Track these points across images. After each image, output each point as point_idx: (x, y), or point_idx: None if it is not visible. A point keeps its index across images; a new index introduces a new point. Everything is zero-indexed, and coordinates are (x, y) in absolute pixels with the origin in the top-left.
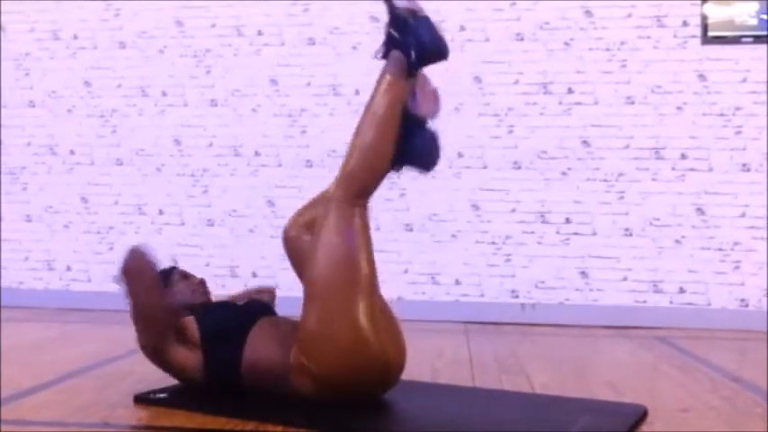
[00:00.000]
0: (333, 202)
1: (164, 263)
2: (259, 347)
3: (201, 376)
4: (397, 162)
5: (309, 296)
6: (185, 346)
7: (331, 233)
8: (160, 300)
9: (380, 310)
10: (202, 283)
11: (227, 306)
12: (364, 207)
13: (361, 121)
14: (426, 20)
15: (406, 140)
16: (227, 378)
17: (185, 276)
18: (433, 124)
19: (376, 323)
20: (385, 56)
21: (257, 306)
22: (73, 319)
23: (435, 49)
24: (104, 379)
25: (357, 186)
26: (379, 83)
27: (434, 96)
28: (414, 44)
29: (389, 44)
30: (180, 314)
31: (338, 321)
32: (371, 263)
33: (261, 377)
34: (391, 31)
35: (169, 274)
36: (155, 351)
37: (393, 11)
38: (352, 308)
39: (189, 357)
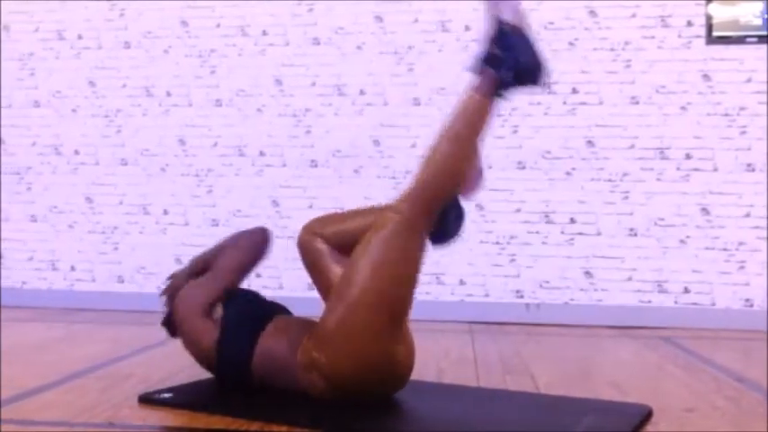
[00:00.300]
0: (395, 213)
1: (168, 263)
2: (272, 340)
3: (213, 356)
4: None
5: (339, 295)
6: (210, 320)
7: (385, 245)
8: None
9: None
10: None
11: (254, 296)
12: (426, 229)
13: (441, 137)
14: (528, 39)
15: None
16: (236, 365)
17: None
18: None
19: (396, 339)
20: (477, 69)
21: (278, 306)
22: (77, 319)
23: (533, 72)
24: (109, 379)
25: (424, 204)
26: (466, 100)
27: (479, 179)
28: (513, 64)
29: (487, 61)
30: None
31: (361, 332)
32: (412, 287)
33: (270, 370)
34: (493, 47)
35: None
36: (192, 314)
37: (500, 27)
38: (380, 324)
39: (208, 332)
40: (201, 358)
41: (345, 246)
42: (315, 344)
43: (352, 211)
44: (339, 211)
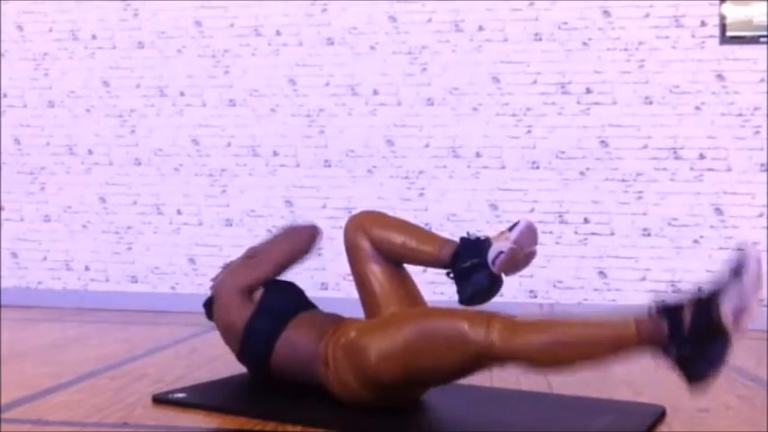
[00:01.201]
0: (486, 329)
1: (181, 263)
2: (296, 331)
3: (239, 334)
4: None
5: (385, 326)
6: (247, 300)
7: (444, 331)
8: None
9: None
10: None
11: (294, 289)
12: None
13: (575, 325)
14: (726, 342)
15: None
16: (259, 347)
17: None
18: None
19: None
20: (659, 310)
21: (312, 303)
22: (91, 318)
23: (702, 375)
24: (123, 379)
25: (511, 355)
26: (622, 325)
27: (516, 264)
28: (688, 355)
29: (670, 311)
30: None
31: (394, 365)
32: (438, 375)
33: (290, 360)
34: (686, 313)
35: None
36: (231, 289)
37: (711, 310)
38: (412, 368)
39: (241, 309)
40: (228, 334)
41: (384, 252)
42: (342, 349)
43: (402, 224)
44: (392, 215)
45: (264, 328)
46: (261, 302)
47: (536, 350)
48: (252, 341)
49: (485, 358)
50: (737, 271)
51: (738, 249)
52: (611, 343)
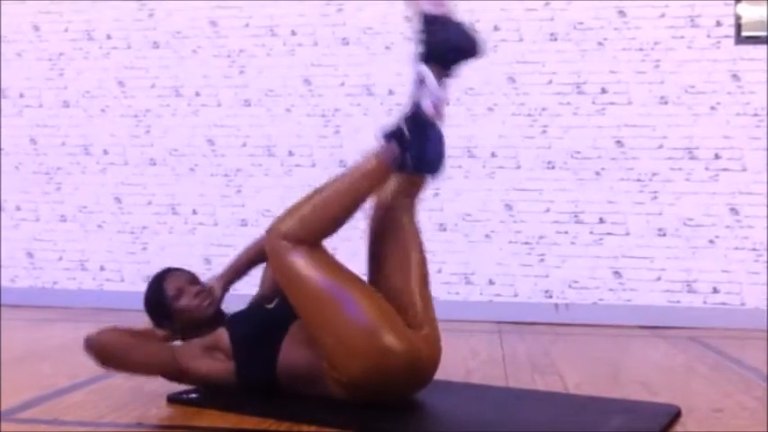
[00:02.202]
0: (280, 248)
1: (197, 263)
2: (293, 352)
3: (232, 382)
4: (406, 167)
5: (312, 327)
6: (211, 357)
7: (294, 278)
8: (147, 355)
9: (391, 309)
10: (200, 294)
11: (257, 313)
12: (312, 245)
13: (330, 182)
14: (440, 134)
15: (417, 145)
16: (261, 386)
17: (180, 292)
18: (441, 125)
19: (392, 324)
20: (385, 137)
21: (290, 309)
22: (106, 319)
23: (432, 165)
24: (138, 379)
25: (306, 233)
26: (364, 162)
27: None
28: (416, 153)
29: (394, 135)
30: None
31: (352, 336)
32: (349, 279)
33: (295, 381)
34: (403, 127)
35: (162, 300)
36: (174, 378)
37: (416, 113)
38: (359, 319)
39: (214, 369)
40: (217, 386)
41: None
42: (329, 365)
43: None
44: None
45: (256, 372)
46: (236, 348)
47: (314, 222)
48: (251, 386)
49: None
50: (421, 80)
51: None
52: (363, 180)
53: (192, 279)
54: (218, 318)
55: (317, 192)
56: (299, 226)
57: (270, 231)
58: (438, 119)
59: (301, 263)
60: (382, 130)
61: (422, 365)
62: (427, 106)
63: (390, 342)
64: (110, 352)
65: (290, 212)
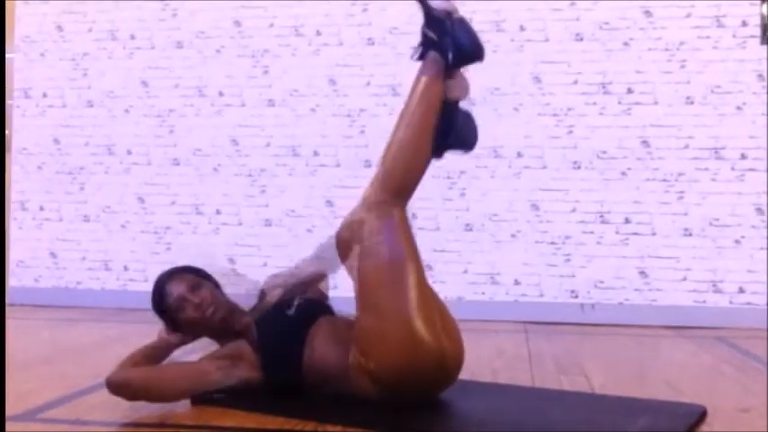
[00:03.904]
0: (371, 204)
1: (221, 263)
2: (318, 351)
3: (258, 383)
4: (440, 148)
5: (360, 298)
6: (236, 368)
7: (372, 235)
8: (173, 382)
9: (433, 306)
10: (201, 305)
11: (279, 320)
12: (402, 207)
13: (399, 122)
14: (463, 21)
15: (445, 126)
16: (287, 383)
17: (181, 303)
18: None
19: (429, 318)
20: (421, 57)
21: (313, 307)
22: (130, 319)
23: (473, 51)
24: None
25: (394, 187)
26: (415, 84)
27: (464, 79)
28: (452, 45)
29: (426, 45)
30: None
31: (390, 319)
32: (416, 260)
33: (321, 379)
34: (427, 32)
35: (166, 310)
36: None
37: (429, 12)
38: (403, 306)
39: (243, 379)
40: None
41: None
42: (358, 349)
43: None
44: None
45: (283, 370)
46: (263, 349)
47: (396, 166)
48: (278, 384)
49: (395, 207)
50: None
51: None
52: (423, 101)
53: (194, 283)
54: (231, 320)
55: (390, 142)
56: (391, 177)
57: (363, 199)
58: (450, 7)
59: (386, 223)
60: (414, 53)
61: (448, 363)
62: (437, 3)
63: (423, 334)
64: (135, 389)
65: (377, 173)
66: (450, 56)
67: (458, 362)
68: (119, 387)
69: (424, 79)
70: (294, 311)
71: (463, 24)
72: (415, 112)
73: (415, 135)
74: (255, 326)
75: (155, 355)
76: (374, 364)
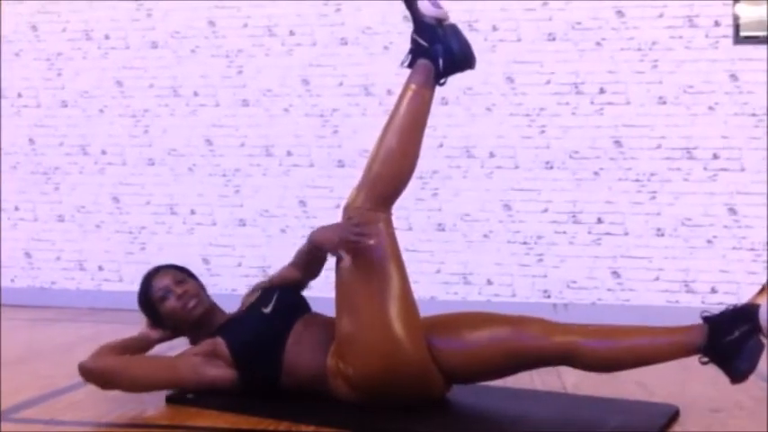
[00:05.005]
0: (356, 210)
1: (195, 263)
2: (298, 352)
3: (237, 387)
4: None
5: (340, 301)
6: (212, 365)
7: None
8: (147, 373)
9: (417, 315)
10: (184, 296)
11: (255, 317)
12: (388, 213)
13: (386, 129)
14: (454, 28)
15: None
16: (267, 390)
17: (165, 293)
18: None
19: (411, 327)
20: (411, 64)
21: (290, 305)
22: (105, 318)
23: (464, 58)
24: None
25: (380, 193)
26: (404, 91)
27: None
28: (442, 53)
29: (416, 52)
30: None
31: (371, 325)
32: (401, 268)
33: (300, 381)
34: (418, 38)
35: (150, 302)
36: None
37: (420, 19)
38: (384, 313)
39: (218, 377)
40: (223, 391)
41: None
42: (337, 353)
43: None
44: None
45: (261, 375)
46: (236, 357)
47: (382, 172)
48: (256, 390)
49: (380, 214)
50: None
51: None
52: (413, 113)
53: (179, 278)
54: (211, 318)
55: (377, 148)
56: (378, 183)
57: (347, 206)
58: (441, 15)
59: (378, 228)
60: (404, 60)
61: (432, 379)
62: (425, 7)
63: (403, 342)
64: (107, 376)
65: (363, 178)
66: (441, 63)
67: (442, 385)
68: (91, 373)
69: (413, 86)
70: (271, 309)
71: (454, 31)
72: (403, 119)
73: (403, 142)
74: (232, 323)
75: (133, 346)
76: (352, 369)
